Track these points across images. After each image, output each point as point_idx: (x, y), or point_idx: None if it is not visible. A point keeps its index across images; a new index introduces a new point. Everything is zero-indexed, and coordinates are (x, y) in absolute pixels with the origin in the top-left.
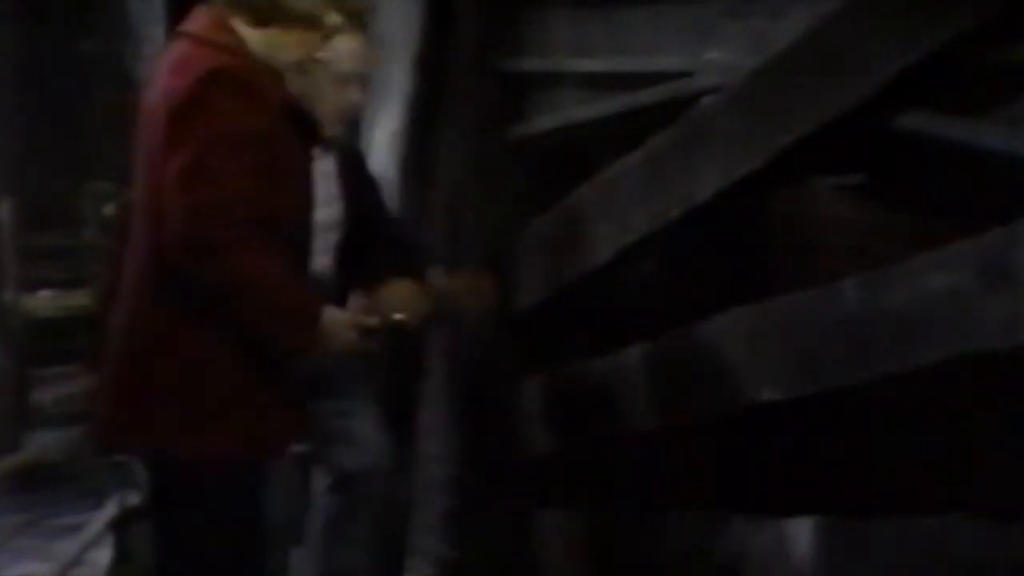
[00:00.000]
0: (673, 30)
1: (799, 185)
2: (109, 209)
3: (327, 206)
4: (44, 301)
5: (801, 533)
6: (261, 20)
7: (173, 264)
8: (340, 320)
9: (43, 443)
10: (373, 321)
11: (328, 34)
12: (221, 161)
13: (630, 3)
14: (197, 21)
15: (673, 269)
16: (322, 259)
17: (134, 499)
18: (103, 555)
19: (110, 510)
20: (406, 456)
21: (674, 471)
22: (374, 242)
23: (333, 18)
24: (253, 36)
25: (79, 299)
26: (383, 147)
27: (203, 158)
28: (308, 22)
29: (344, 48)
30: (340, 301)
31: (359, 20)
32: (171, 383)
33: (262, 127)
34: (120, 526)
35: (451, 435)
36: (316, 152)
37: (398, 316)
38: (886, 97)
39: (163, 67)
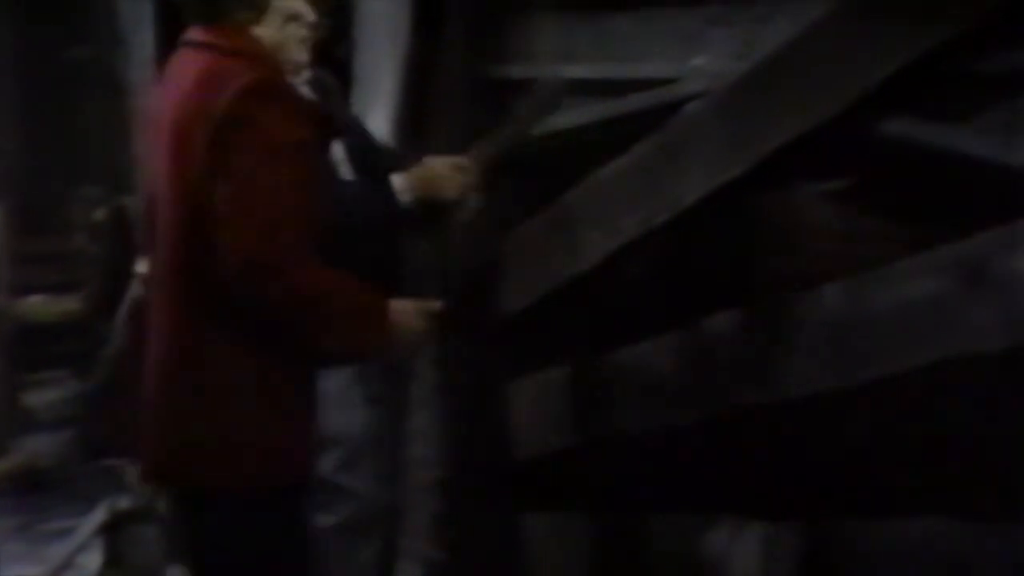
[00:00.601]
0: (659, 37)
1: (784, 190)
2: (100, 214)
3: None
4: (35, 305)
5: (787, 536)
6: (259, 22)
7: (228, 290)
8: (407, 310)
9: (34, 447)
10: (437, 305)
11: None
12: (273, 176)
13: (616, 10)
14: (211, 30)
15: (660, 273)
16: None
17: (124, 503)
18: (93, 559)
19: (100, 514)
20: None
21: (662, 474)
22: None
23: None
24: (264, 39)
25: (70, 304)
26: None
27: (255, 176)
28: (297, 19)
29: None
30: None
31: None
32: (215, 410)
33: (301, 136)
34: (110, 530)
35: (440, 438)
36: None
37: (446, 193)
38: (870, 104)
39: (183, 79)
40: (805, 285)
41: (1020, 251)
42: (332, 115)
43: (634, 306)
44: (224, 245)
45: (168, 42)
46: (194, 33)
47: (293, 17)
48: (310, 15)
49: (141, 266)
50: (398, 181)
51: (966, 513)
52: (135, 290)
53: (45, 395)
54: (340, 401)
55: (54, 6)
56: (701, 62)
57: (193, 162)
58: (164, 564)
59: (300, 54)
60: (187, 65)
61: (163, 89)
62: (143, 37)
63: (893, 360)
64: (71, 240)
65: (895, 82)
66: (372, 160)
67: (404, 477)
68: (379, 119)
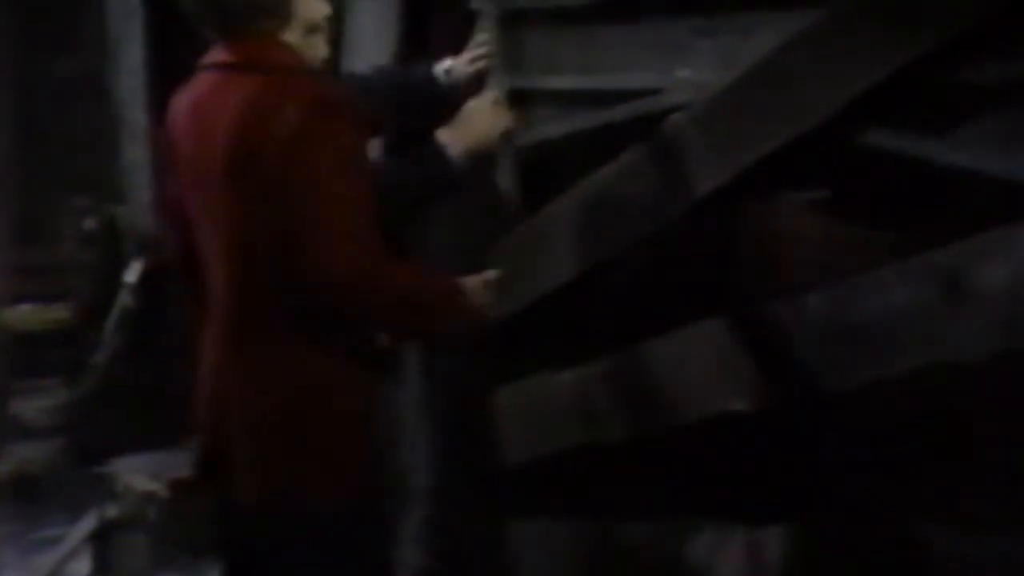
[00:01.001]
0: (644, 48)
1: (767, 200)
2: (89, 224)
3: None
4: (25, 314)
5: (771, 541)
6: (284, 30)
7: (323, 303)
8: (475, 285)
9: (22, 455)
10: (494, 274)
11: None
12: (350, 186)
13: (602, 22)
14: (244, 47)
15: (644, 282)
16: None
17: (113, 511)
18: (82, 567)
19: (89, 522)
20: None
21: (646, 481)
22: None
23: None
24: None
25: (59, 312)
26: None
27: (334, 188)
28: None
29: None
30: None
31: None
32: (297, 424)
33: (359, 143)
34: (99, 538)
35: (429, 446)
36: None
37: (494, 132)
38: (852, 115)
39: (226, 102)
40: (787, 293)
41: (996, 260)
42: (372, 115)
43: (617, 315)
44: (318, 261)
45: (157, 56)
46: (224, 55)
47: (313, 23)
48: (326, 10)
49: (130, 275)
50: (445, 137)
51: (951, 518)
52: (124, 299)
53: (35, 403)
54: None
55: (45, 18)
56: (685, 73)
57: (259, 184)
58: (153, 572)
59: (320, 56)
60: (227, 88)
61: (195, 116)
62: (132, 50)
63: (874, 368)
64: (61, 250)
65: (875, 94)
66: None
67: (394, 486)
68: None
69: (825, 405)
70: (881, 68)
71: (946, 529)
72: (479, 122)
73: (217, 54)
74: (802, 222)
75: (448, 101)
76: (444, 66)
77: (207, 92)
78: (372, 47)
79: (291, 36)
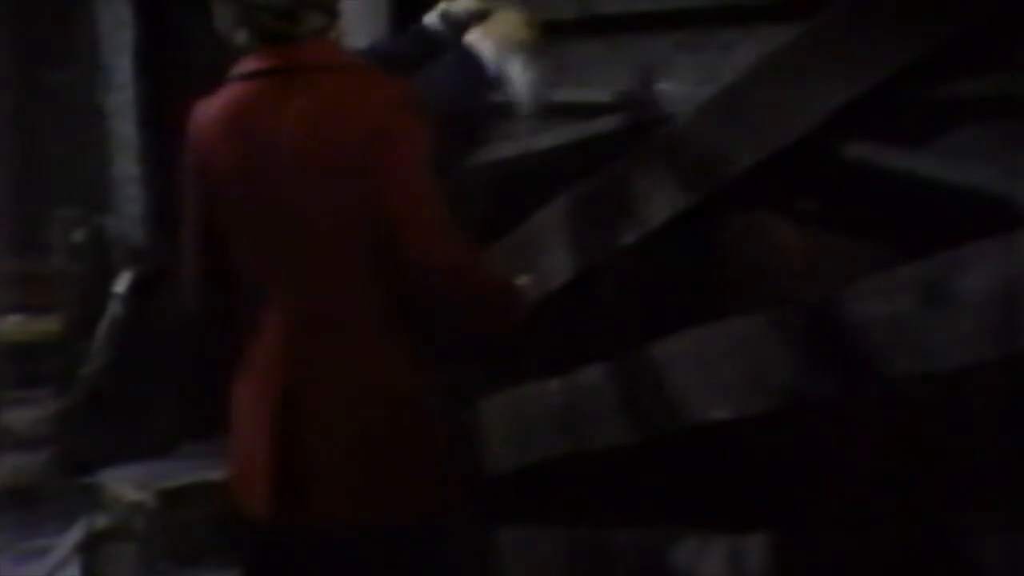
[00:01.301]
0: (627, 62)
1: (750, 211)
2: (78, 235)
3: None
4: (14, 325)
5: (753, 549)
6: (332, 28)
7: (421, 294)
8: (520, 282)
9: (13, 466)
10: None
11: None
12: (430, 180)
13: (585, 36)
14: (301, 49)
15: (629, 292)
16: None
17: (102, 521)
18: None
19: (77, 533)
20: None
21: (630, 489)
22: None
23: None
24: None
25: (49, 324)
26: None
27: (421, 183)
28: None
29: None
30: None
31: None
32: (389, 432)
33: (428, 138)
34: (87, 549)
35: None
36: None
37: (521, 35)
38: (832, 128)
39: (292, 105)
40: (770, 304)
41: (974, 271)
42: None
43: (602, 325)
44: (420, 252)
45: (147, 71)
46: (274, 59)
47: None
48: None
49: (119, 286)
50: (474, 37)
51: (928, 524)
52: (113, 310)
53: (24, 414)
54: None
55: (36, 32)
56: (669, 87)
57: (342, 183)
58: None
59: None
60: (288, 91)
61: (247, 124)
62: (122, 64)
63: (854, 376)
64: (51, 261)
65: (856, 107)
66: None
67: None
68: None
69: (808, 414)
70: (860, 82)
71: (931, 537)
72: (507, 23)
73: (263, 60)
74: (784, 233)
75: (452, 45)
76: (436, 14)
77: (260, 98)
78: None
79: (334, 32)
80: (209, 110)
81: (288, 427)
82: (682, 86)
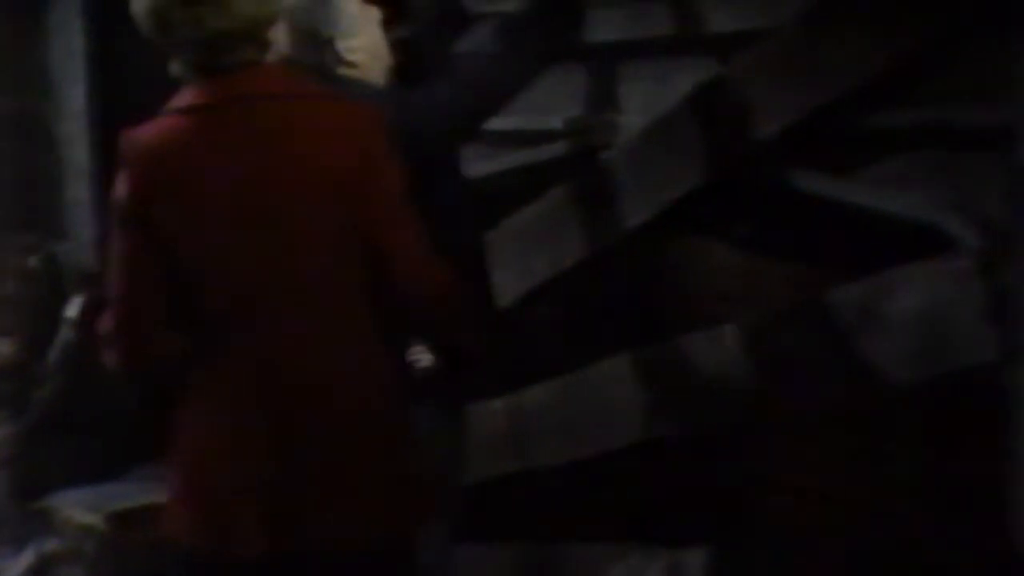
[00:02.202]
0: (569, 91)
1: (690, 235)
2: (32, 261)
3: None
4: None
5: (694, 562)
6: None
7: (412, 313)
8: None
9: None
10: None
11: None
12: (409, 206)
13: None
14: (274, 81)
15: (572, 313)
16: None
17: (52, 545)
18: None
19: (28, 557)
20: None
21: (577, 504)
22: None
23: None
24: None
25: (1, 348)
26: None
27: (406, 207)
28: None
29: None
30: None
31: None
32: (385, 458)
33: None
34: (38, 573)
35: None
36: None
37: None
38: (765, 156)
39: (287, 132)
40: (709, 325)
41: (904, 293)
42: None
43: (547, 345)
44: (406, 276)
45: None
46: (258, 84)
47: None
48: None
49: (71, 310)
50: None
51: (864, 538)
52: (65, 334)
53: None
54: None
55: None
56: (609, 115)
57: (340, 206)
58: None
59: None
60: (291, 116)
61: (233, 149)
62: (75, 92)
63: (789, 395)
64: (5, 286)
65: (789, 136)
66: None
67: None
68: None
69: (746, 431)
70: (791, 114)
71: (867, 549)
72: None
73: (220, 89)
74: (722, 257)
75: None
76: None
77: (233, 129)
78: None
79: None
80: (162, 142)
81: (283, 456)
82: (625, 115)
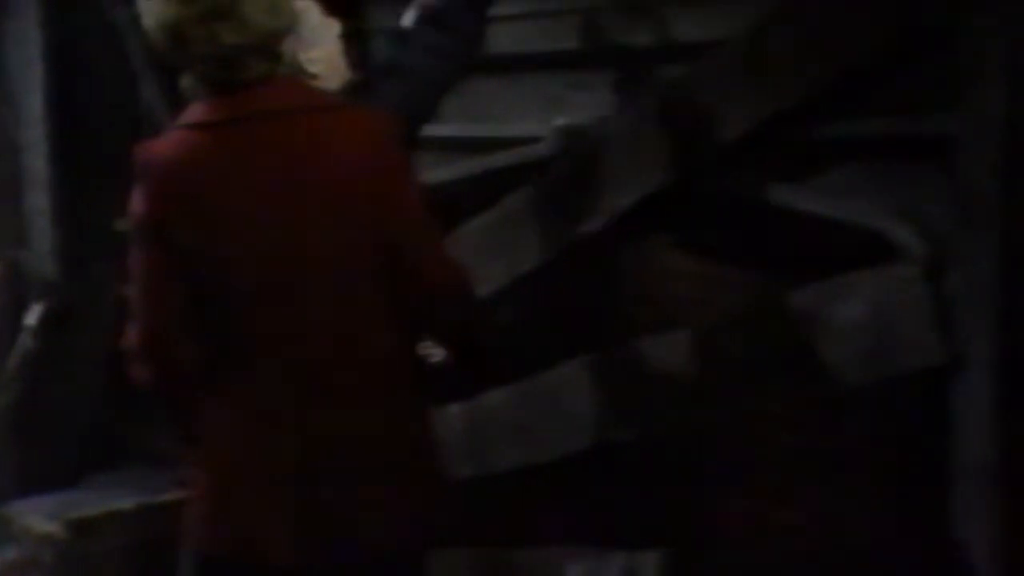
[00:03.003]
0: (523, 99)
1: (644, 241)
2: None
3: None
4: None
5: (648, 564)
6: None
7: (438, 318)
8: None
9: None
10: None
11: None
12: (425, 207)
13: (483, 75)
14: (289, 94)
15: (528, 318)
16: None
17: (11, 554)
18: None
19: None
20: None
21: (533, 508)
22: None
23: None
24: None
25: None
26: None
27: (421, 210)
28: None
29: None
30: None
31: None
32: (412, 467)
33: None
34: None
35: None
36: None
37: None
38: (719, 164)
39: (307, 144)
40: (661, 329)
41: (851, 299)
42: None
43: (502, 350)
44: (427, 276)
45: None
46: (273, 98)
47: None
48: None
49: (30, 318)
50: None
51: (815, 540)
52: (24, 342)
53: None
54: None
55: None
56: (562, 123)
57: (361, 217)
58: None
59: None
60: (287, 134)
61: (252, 164)
62: (33, 101)
63: (742, 399)
64: None
65: (743, 145)
66: None
67: None
68: None
69: (700, 434)
70: (742, 123)
71: (819, 551)
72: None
73: (239, 105)
74: (675, 262)
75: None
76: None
77: (255, 143)
78: None
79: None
80: (180, 158)
81: (309, 467)
82: (575, 122)
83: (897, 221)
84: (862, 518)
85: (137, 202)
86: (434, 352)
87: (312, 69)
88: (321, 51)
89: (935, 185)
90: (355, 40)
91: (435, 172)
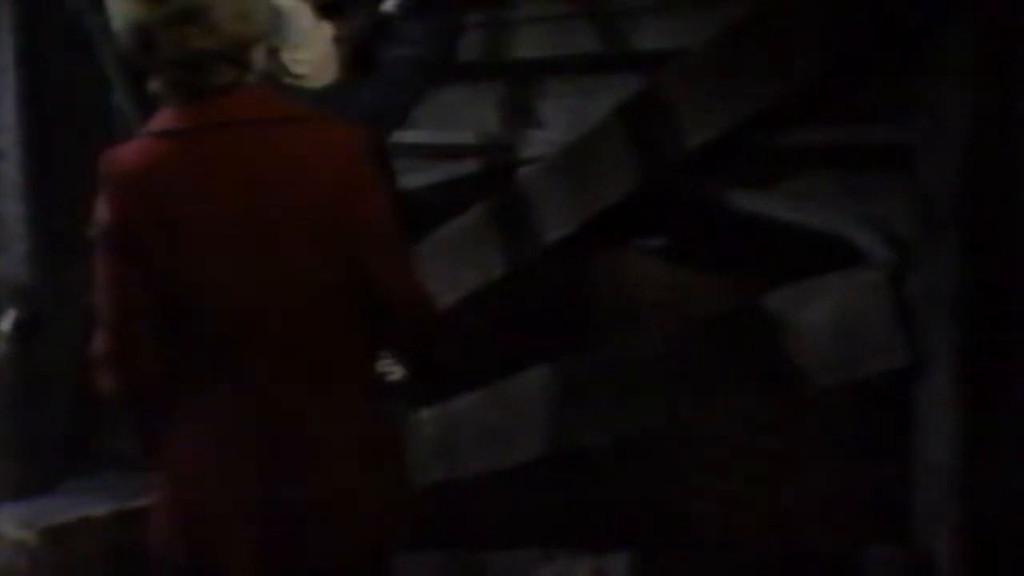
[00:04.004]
0: (494, 106)
1: (612, 247)
2: None
3: None
4: None
5: (618, 565)
6: None
7: (403, 335)
8: None
9: None
10: None
11: None
12: (395, 224)
13: (454, 82)
14: (257, 104)
15: (501, 323)
16: None
17: None
18: None
19: None
20: None
21: (502, 511)
22: None
23: None
24: None
25: None
26: None
27: (391, 227)
28: None
29: None
30: None
31: None
32: (375, 479)
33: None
34: None
35: None
36: None
37: None
38: (686, 171)
39: (282, 154)
40: (632, 333)
41: (818, 303)
42: None
43: (474, 355)
44: (393, 293)
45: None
46: (241, 108)
47: None
48: None
49: (4, 324)
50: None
51: (782, 541)
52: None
53: None
54: None
55: None
56: (534, 130)
57: (326, 232)
58: None
59: None
60: (278, 141)
61: (218, 174)
62: (5, 105)
63: (713, 403)
64: None
65: (709, 152)
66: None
67: None
68: None
69: (668, 438)
70: (708, 130)
71: (785, 552)
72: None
73: (207, 113)
74: (644, 268)
75: None
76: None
77: (222, 152)
78: None
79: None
80: (145, 165)
81: (271, 478)
82: (546, 129)
83: (861, 227)
84: (828, 518)
85: (101, 209)
86: (394, 370)
87: (300, 69)
88: (309, 52)
89: (898, 191)
90: (347, 43)
91: (409, 178)
